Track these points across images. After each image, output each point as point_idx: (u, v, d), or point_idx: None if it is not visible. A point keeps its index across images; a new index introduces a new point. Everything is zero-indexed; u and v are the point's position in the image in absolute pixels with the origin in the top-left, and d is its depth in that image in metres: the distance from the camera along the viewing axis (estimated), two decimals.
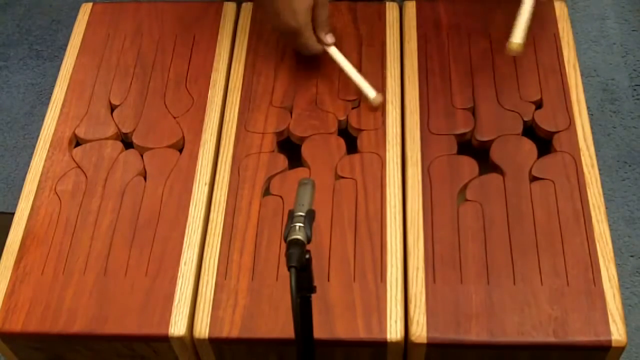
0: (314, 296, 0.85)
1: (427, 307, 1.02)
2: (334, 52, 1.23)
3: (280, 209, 1.12)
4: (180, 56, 1.31)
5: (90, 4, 1.40)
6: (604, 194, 1.12)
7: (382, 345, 1.01)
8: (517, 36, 1.16)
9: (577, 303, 1.02)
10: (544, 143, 1.18)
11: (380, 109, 1.21)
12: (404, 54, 1.29)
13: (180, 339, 1.03)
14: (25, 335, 1.05)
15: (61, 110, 1.26)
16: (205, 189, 1.15)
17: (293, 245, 0.80)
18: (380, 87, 1.24)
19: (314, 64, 1.28)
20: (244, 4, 1.38)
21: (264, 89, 1.26)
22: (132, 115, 1.24)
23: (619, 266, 1.73)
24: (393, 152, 1.17)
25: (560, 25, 1.30)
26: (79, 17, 1.39)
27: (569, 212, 1.09)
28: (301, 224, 0.81)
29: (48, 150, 1.21)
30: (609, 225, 1.08)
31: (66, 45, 1.35)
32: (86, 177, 1.18)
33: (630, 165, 1.90)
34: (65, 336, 1.04)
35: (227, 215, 1.12)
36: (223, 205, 1.13)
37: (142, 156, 1.20)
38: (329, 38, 1.21)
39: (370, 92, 1.20)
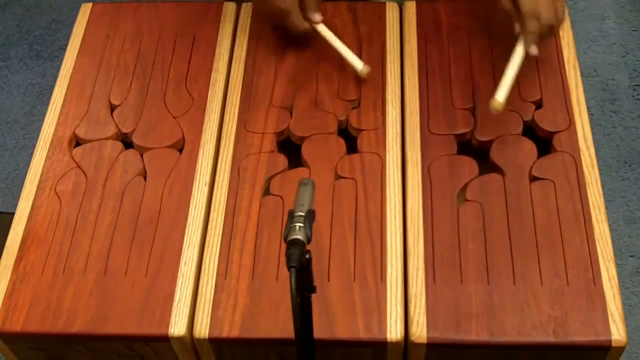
0: (314, 296, 0.85)
1: (427, 307, 1.02)
2: (322, 29, 1.26)
3: (280, 209, 1.12)
4: (180, 56, 1.31)
5: (90, 4, 1.40)
6: (604, 194, 1.12)
7: (382, 345, 1.01)
8: (501, 94, 1.13)
9: (577, 303, 1.02)
10: (544, 143, 1.18)
11: (380, 109, 1.21)
12: (404, 54, 1.29)
13: (180, 339, 1.03)
14: (25, 335, 1.05)
15: (61, 110, 1.26)
16: (205, 189, 1.15)
17: (293, 245, 0.80)
18: (380, 87, 1.24)
19: (314, 64, 1.28)
20: (244, 4, 1.38)
21: (264, 89, 1.26)
22: (132, 115, 1.24)
23: (619, 266, 1.73)
24: (393, 152, 1.17)
25: None
26: (79, 17, 1.38)
27: (569, 212, 1.09)
28: (301, 224, 0.81)
29: (48, 150, 1.21)
30: (609, 225, 1.08)
31: (66, 45, 1.35)
32: (86, 177, 1.18)
33: (630, 165, 1.90)
34: (65, 336, 1.04)
35: (227, 215, 1.12)
36: (223, 205, 1.13)
37: (142, 156, 1.20)
38: (317, 16, 1.24)
39: (358, 64, 1.24)
